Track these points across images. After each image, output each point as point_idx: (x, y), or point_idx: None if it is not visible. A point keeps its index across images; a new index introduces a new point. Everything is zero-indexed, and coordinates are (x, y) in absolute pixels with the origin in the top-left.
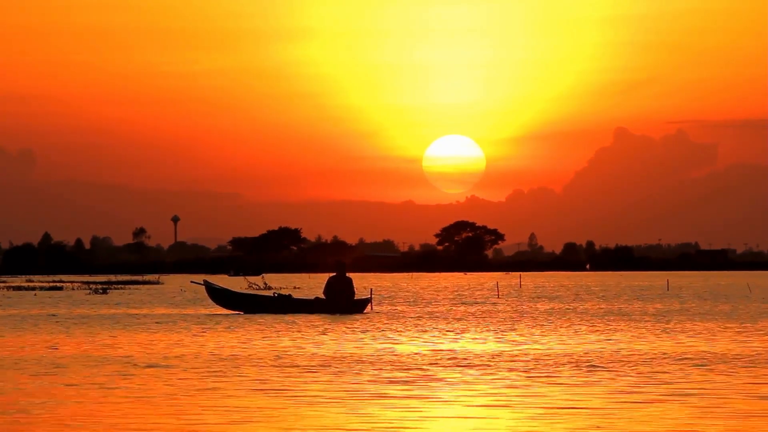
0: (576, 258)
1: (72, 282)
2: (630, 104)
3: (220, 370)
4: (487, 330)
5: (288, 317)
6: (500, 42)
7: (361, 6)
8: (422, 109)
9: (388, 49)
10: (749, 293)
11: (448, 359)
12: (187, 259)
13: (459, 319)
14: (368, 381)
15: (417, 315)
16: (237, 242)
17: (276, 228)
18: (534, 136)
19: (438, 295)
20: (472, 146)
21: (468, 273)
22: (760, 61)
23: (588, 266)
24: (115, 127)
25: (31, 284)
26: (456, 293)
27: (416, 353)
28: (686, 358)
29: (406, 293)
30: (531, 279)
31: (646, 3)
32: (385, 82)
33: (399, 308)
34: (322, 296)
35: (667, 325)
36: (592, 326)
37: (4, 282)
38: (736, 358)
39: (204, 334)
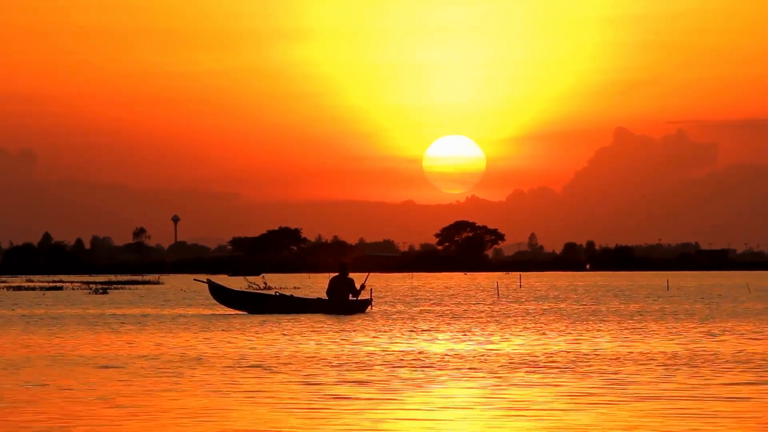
0: (576, 258)
1: (72, 282)
2: (630, 104)
3: (179, 371)
4: (460, 331)
5: (288, 317)
6: (500, 42)
7: (361, 6)
8: (422, 109)
9: (389, 49)
10: (749, 292)
11: (415, 360)
12: (187, 259)
13: (442, 319)
14: (333, 382)
15: (409, 316)
16: (237, 242)
17: (276, 228)
18: (534, 136)
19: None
20: (472, 146)
21: (468, 273)
22: (760, 61)
23: (588, 266)
24: (115, 127)
25: (31, 284)
26: (448, 294)
27: (388, 353)
28: (651, 359)
29: (397, 294)
30: (531, 279)
31: (646, 3)
32: (385, 82)
33: (393, 309)
34: (325, 296)
35: (637, 326)
36: (565, 327)
37: (4, 282)
38: (701, 358)
39: (198, 334)
